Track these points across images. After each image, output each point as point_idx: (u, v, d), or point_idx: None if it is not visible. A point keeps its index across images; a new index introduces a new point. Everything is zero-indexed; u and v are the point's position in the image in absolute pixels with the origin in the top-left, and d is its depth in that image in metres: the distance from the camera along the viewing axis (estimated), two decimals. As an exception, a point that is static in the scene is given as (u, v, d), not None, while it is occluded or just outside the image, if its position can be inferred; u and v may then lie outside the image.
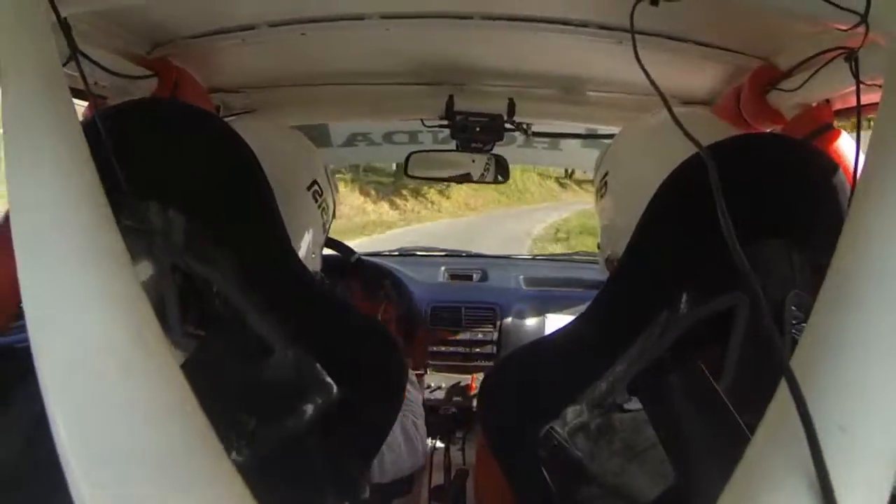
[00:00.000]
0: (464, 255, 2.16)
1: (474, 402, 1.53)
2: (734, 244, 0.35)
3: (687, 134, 0.44)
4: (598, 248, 0.72)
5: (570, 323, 0.61)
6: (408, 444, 0.86)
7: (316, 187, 0.74)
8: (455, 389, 1.62)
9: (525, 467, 0.58)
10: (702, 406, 0.50)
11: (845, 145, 0.81)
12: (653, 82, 0.49)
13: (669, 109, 0.47)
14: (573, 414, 0.55)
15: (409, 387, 0.93)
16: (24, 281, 0.29)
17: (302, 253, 0.72)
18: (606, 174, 0.68)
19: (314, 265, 0.77)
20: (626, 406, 0.53)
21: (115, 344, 0.29)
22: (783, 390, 0.28)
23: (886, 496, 0.26)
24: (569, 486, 0.55)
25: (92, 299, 0.29)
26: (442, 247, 2.25)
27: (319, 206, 0.75)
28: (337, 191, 0.86)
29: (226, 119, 0.87)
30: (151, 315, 0.31)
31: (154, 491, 0.26)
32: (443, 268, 1.90)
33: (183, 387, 0.30)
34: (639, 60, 0.51)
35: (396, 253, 2.14)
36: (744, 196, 0.39)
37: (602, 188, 0.69)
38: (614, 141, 0.72)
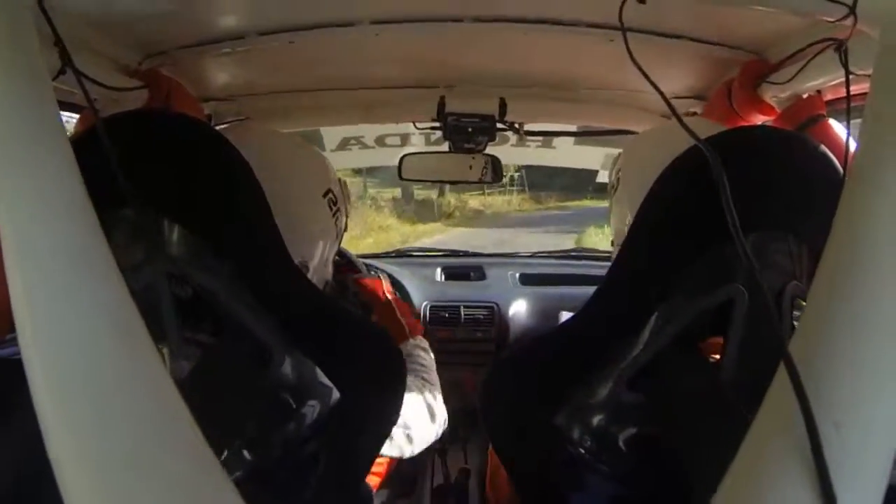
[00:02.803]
0: (460, 254, 2.16)
1: (474, 401, 1.53)
2: (738, 233, 0.35)
3: (683, 125, 0.44)
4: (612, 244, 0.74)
5: (570, 319, 0.61)
6: (431, 417, 0.85)
7: (331, 195, 0.74)
8: (454, 388, 1.61)
9: (529, 463, 0.58)
10: (703, 398, 0.50)
11: (837, 134, 0.81)
12: (648, 78, 0.49)
13: (668, 103, 0.47)
14: (575, 408, 0.55)
15: (421, 353, 0.93)
16: (15, 293, 0.29)
17: (315, 261, 0.71)
18: (619, 171, 0.71)
19: (326, 273, 0.77)
20: (629, 399, 0.53)
21: (105, 355, 0.29)
22: (780, 381, 0.28)
23: (882, 490, 0.26)
24: (573, 481, 0.55)
25: (81, 311, 0.29)
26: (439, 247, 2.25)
27: (334, 215, 0.75)
28: (349, 201, 0.85)
29: (220, 127, 0.87)
30: (141, 325, 0.31)
31: (146, 499, 0.26)
32: (439, 268, 1.89)
33: (174, 396, 0.29)
34: (632, 57, 0.51)
35: (393, 254, 2.14)
36: (738, 188, 0.39)
37: (615, 184, 0.71)
38: (630, 141, 0.74)
